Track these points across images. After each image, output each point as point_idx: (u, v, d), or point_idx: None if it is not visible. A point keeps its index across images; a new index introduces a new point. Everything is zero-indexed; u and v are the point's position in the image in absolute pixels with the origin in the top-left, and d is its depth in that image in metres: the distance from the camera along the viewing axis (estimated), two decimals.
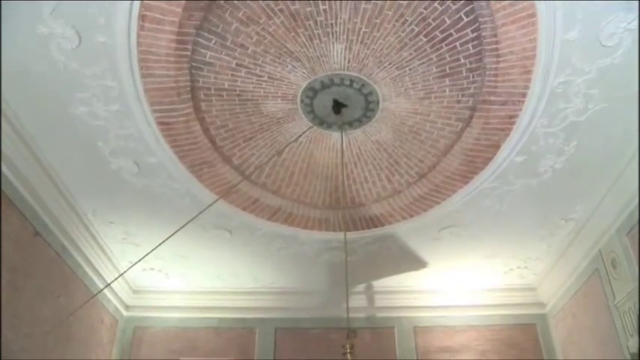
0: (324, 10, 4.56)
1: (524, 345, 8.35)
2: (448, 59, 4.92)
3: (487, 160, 5.81)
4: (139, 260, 6.22)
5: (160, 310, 8.56)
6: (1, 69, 4.66)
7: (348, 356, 5.77)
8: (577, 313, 7.58)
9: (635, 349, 6.02)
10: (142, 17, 4.33)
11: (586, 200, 6.41)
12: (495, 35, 4.55)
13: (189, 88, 5.10)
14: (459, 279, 8.28)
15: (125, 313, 8.51)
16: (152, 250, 5.72)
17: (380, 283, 8.40)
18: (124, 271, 7.13)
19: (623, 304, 6.33)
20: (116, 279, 7.05)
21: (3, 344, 5.29)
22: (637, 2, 4.14)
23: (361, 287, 8.44)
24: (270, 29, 4.71)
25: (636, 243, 5.94)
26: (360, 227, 7.03)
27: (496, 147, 5.61)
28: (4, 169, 5.29)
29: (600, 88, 4.82)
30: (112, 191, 6.25)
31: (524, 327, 8.46)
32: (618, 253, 6.35)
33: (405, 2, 4.47)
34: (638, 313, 5.93)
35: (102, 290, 7.06)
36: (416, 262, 7.87)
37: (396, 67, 5.06)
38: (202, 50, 4.81)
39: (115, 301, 8.16)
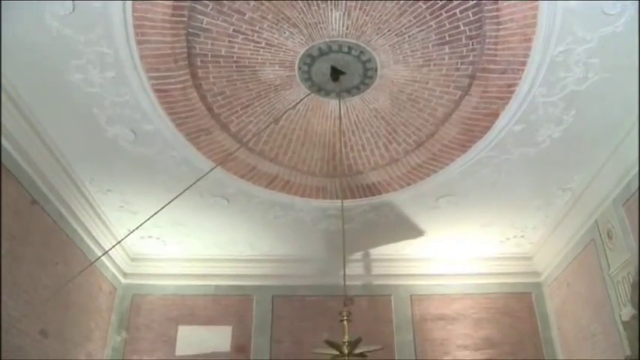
0: None
1: (519, 313, 8.46)
2: (447, 26, 4.86)
3: (485, 129, 5.79)
4: (137, 228, 6.25)
5: (158, 278, 8.61)
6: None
7: (345, 323, 5.86)
8: (572, 282, 7.65)
9: (627, 318, 6.08)
10: None
11: (584, 170, 6.41)
12: (496, 2, 4.49)
13: (185, 55, 5.03)
14: (456, 247, 8.33)
15: (123, 281, 8.57)
16: (149, 218, 5.71)
17: (377, 251, 8.45)
18: (122, 239, 7.16)
19: (617, 274, 6.38)
20: (113, 247, 7.06)
21: (3, 311, 5.33)
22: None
23: (358, 255, 8.48)
24: None
25: (632, 214, 5.95)
26: (358, 195, 7.04)
27: (494, 116, 5.59)
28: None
29: (601, 58, 4.77)
30: (108, 159, 6.22)
31: (519, 295, 8.56)
32: (614, 223, 6.38)
33: None
34: (634, 283, 5.96)
35: (100, 258, 7.08)
36: (413, 231, 7.90)
37: (395, 34, 4.99)
38: (199, 16, 4.73)
39: (113, 269, 8.21)
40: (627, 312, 6.13)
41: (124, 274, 8.56)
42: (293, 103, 5.74)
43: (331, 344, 5.78)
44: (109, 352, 8.09)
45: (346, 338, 5.73)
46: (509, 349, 8.21)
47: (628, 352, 6.06)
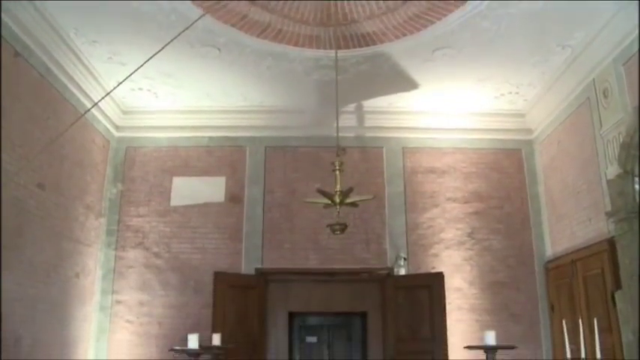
0: None
1: (509, 169, 8.63)
2: None
3: None
4: (125, 79, 6.18)
5: (151, 130, 8.61)
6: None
7: (337, 173, 5.98)
8: (562, 140, 7.72)
9: (612, 176, 6.21)
10: None
11: (586, 27, 6.22)
12: None
13: None
14: (450, 102, 8.27)
15: (116, 134, 8.57)
16: (138, 68, 5.61)
17: (370, 104, 8.39)
18: (111, 90, 7.03)
19: (608, 133, 6.43)
20: (103, 98, 6.97)
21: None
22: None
23: (351, 107, 8.42)
24: None
25: (632, 73, 5.85)
26: (352, 45, 6.83)
27: None
28: None
29: None
30: (93, 9, 5.95)
31: (509, 152, 8.68)
32: (612, 82, 6.31)
33: None
34: (624, 142, 6.01)
35: (90, 109, 7.02)
36: (407, 83, 7.79)
37: None
38: None
39: (105, 122, 8.17)
40: (613, 170, 6.25)
41: (117, 128, 8.53)
42: None
43: (323, 193, 5.96)
44: (106, 203, 8.32)
45: (338, 188, 5.90)
46: (497, 202, 8.48)
47: (609, 209, 6.26)
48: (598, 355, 5.20)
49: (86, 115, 7.21)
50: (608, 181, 6.32)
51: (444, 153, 8.66)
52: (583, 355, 5.22)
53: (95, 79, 7.36)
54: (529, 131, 8.65)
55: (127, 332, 7.93)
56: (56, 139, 6.40)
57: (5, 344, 5.69)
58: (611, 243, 6.28)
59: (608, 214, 6.26)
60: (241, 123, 8.62)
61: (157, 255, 8.21)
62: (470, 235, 8.34)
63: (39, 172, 6.37)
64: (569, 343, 5.39)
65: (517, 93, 7.95)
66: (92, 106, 7.01)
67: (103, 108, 7.83)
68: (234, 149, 8.66)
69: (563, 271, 7.52)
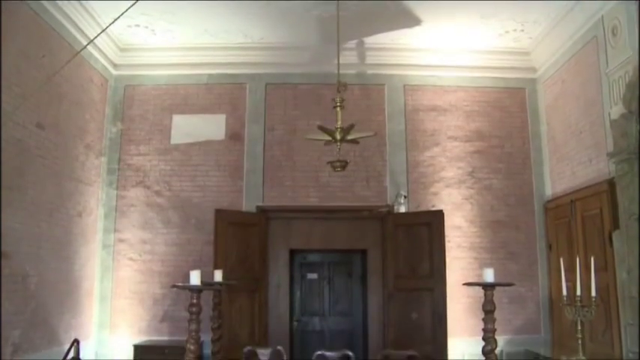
0: None
1: (511, 108, 8.54)
2: None
3: None
4: (121, 15, 6.00)
5: (150, 68, 8.47)
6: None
7: (338, 109, 5.92)
8: (567, 79, 7.61)
9: (615, 117, 6.16)
10: None
11: None
12: None
13: None
14: (453, 39, 8.08)
15: (114, 72, 8.43)
16: (134, 4, 5.42)
17: (372, 40, 8.21)
18: (107, 27, 6.84)
19: (614, 73, 6.33)
20: (99, 34, 6.78)
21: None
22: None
23: (352, 44, 8.25)
24: None
25: None
26: None
27: None
28: None
29: None
30: None
31: (512, 91, 8.57)
32: (621, 20, 6.16)
33: None
34: (630, 82, 5.92)
35: (86, 46, 6.87)
36: (410, 19, 7.61)
37: None
38: None
39: (102, 60, 8.02)
40: (617, 110, 6.20)
41: (115, 66, 8.38)
42: None
43: (324, 130, 5.92)
44: (106, 142, 8.29)
45: (339, 124, 5.86)
46: (498, 142, 8.44)
47: (611, 149, 6.24)
48: (593, 292, 5.31)
49: (83, 54, 7.08)
50: (612, 122, 6.27)
51: (446, 91, 8.55)
52: (579, 293, 5.34)
53: (91, 16, 7.17)
54: (533, 70, 8.50)
55: (130, 270, 8.07)
56: (52, 76, 6.30)
57: (13, 281, 5.83)
58: (611, 184, 6.29)
59: (610, 155, 6.25)
60: (241, 60, 8.46)
61: (158, 193, 8.24)
62: (470, 173, 8.34)
63: (37, 111, 6.32)
64: (566, 280, 5.51)
65: (522, 30, 7.77)
66: (88, 43, 6.85)
67: (99, 46, 7.69)
68: (234, 86, 8.54)
69: (562, 211, 7.57)
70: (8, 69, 5.66)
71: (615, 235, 6.17)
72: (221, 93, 8.54)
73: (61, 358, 6.23)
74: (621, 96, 6.11)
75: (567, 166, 7.59)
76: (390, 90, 8.56)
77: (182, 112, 8.46)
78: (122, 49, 8.31)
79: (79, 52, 6.76)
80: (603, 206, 6.48)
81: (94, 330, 7.82)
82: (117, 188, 8.24)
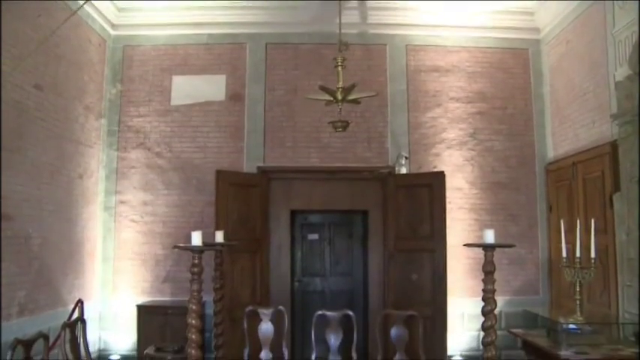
0: None
1: (514, 69, 8.43)
2: None
3: None
4: None
5: (148, 28, 8.33)
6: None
7: (339, 69, 5.88)
8: (572, 39, 7.49)
9: (621, 78, 6.10)
10: None
11: None
12: None
13: None
14: None
15: (113, 32, 8.30)
16: None
17: None
18: None
19: (620, 33, 6.24)
20: None
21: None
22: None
23: (354, 3, 8.09)
24: None
25: None
26: None
27: None
28: None
29: None
30: None
31: (516, 51, 8.44)
32: None
33: None
34: (636, 43, 5.83)
35: (82, 5, 6.76)
36: None
37: None
38: None
39: (100, 20, 7.89)
40: (622, 72, 6.13)
41: (113, 26, 8.24)
42: None
43: (325, 90, 5.90)
44: (106, 104, 8.22)
45: (340, 84, 5.83)
46: (501, 103, 8.36)
47: (614, 111, 6.20)
48: (593, 254, 5.37)
49: (80, 14, 6.96)
50: (617, 83, 6.21)
51: (448, 51, 8.42)
52: (578, 254, 5.39)
53: None
54: (537, 30, 8.36)
55: (132, 231, 8.11)
56: (49, 36, 6.22)
57: (16, 243, 5.88)
58: (613, 146, 6.27)
59: (613, 117, 6.22)
60: (241, 19, 8.32)
61: (158, 155, 8.22)
62: (472, 135, 8.30)
63: (35, 72, 6.25)
64: (566, 242, 5.55)
65: None
66: (85, 2, 6.73)
67: (97, 5, 7.56)
68: (234, 46, 8.42)
69: (564, 173, 7.56)
70: (4, 29, 5.55)
71: (616, 198, 6.18)
72: (221, 53, 8.42)
73: (66, 318, 6.32)
74: (627, 57, 6.03)
75: (570, 128, 7.54)
76: (392, 50, 8.43)
77: (182, 72, 8.36)
78: (120, 9, 8.15)
79: (75, 12, 6.67)
80: (605, 169, 6.47)
81: (97, 291, 7.90)
82: (117, 150, 8.22)
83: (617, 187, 6.19)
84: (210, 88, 8.32)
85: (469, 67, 8.41)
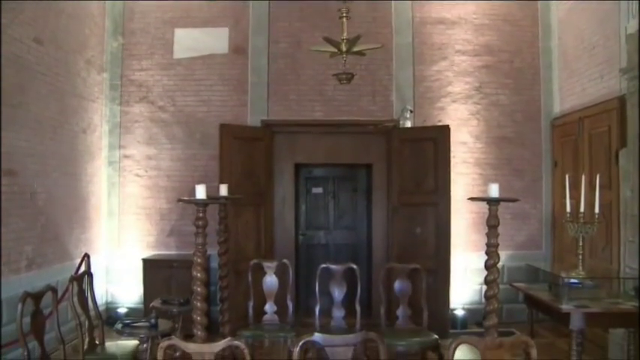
0: None
1: (522, 22, 8.27)
2: None
3: None
4: None
5: None
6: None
7: (344, 20, 5.79)
8: None
9: (632, 31, 5.97)
10: None
11: None
12: None
13: None
14: None
15: None
16: None
17: None
18: None
19: None
20: None
21: None
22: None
23: None
24: None
25: None
26: None
27: None
28: None
29: None
30: None
31: (524, 3, 8.25)
32: None
33: None
34: None
35: None
36: None
37: None
38: None
39: None
40: (634, 25, 5.99)
41: None
42: None
43: (330, 41, 5.83)
44: (108, 58, 8.12)
45: (344, 35, 5.75)
46: (507, 56, 8.24)
47: (624, 65, 6.10)
48: (596, 209, 5.36)
49: None
50: (627, 36, 6.09)
51: (454, 3, 8.23)
52: (582, 210, 5.39)
53: None
54: None
55: (136, 185, 8.15)
56: None
57: (22, 198, 5.90)
58: (621, 101, 6.20)
59: (623, 71, 6.12)
60: None
61: (162, 109, 8.17)
62: (478, 89, 8.21)
63: (34, 25, 6.14)
64: (570, 197, 5.54)
65: None
66: None
67: None
68: None
69: (570, 128, 7.50)
70: None
71: (622, 153, 6.15)
72: (224, 6, 8.26)
73: (74, 271, 6.40)
74: (638, 9, 5.89)
75: (577, 83, 7.44)
76: (398, 2, 8.26)
77: (184, 25, 8.22)
78: None
79: None
80: (612, 124, 6.41)
81: (103, 245, 7.99)
82: (120, 104, 8.16)
83: (623, 143, 6.14)
84: (212, 40, 8.21)
85: (476, 19, 8.24)
